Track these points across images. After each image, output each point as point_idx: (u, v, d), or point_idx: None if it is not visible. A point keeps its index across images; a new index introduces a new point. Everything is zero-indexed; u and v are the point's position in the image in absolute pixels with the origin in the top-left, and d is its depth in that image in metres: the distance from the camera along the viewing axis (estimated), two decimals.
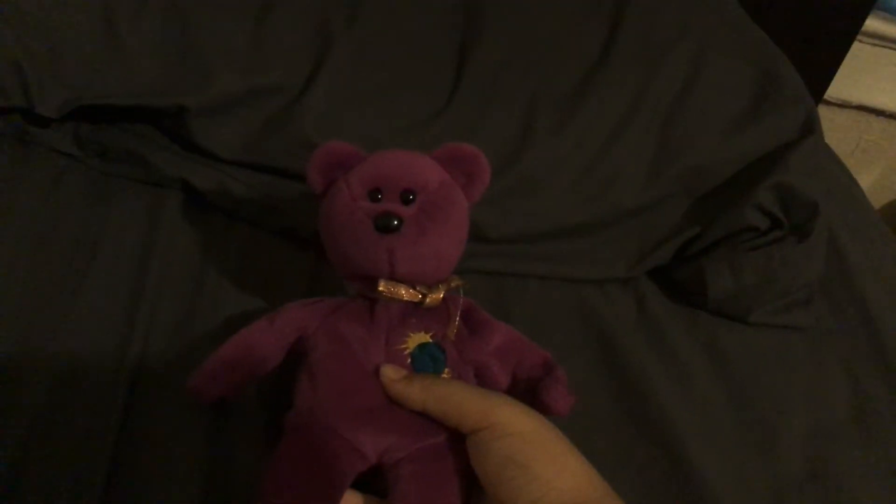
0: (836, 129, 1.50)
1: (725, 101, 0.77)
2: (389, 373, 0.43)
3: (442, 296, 0.47)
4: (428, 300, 0.46)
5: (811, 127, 0.76)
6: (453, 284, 0.48)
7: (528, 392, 0.47)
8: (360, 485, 0.42)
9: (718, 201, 0.74)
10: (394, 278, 0.45)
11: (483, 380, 0.48)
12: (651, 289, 0.75)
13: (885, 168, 1.60)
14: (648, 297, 0.74)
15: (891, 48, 1.38)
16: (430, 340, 0.46)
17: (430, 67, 0.74)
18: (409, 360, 0.44)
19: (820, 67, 1.28)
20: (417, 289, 0.46)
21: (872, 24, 1.32)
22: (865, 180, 1.58)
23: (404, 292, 0.45)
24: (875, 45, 1.38)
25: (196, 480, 0.49)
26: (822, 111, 1.45)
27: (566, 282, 0.73)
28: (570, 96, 0.75)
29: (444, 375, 0.45)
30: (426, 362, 0.44)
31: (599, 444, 0.60)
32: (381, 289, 0.44)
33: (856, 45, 1.32)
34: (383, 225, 0.43)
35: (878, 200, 1.64)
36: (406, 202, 0.45)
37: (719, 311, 0.73)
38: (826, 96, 1.41)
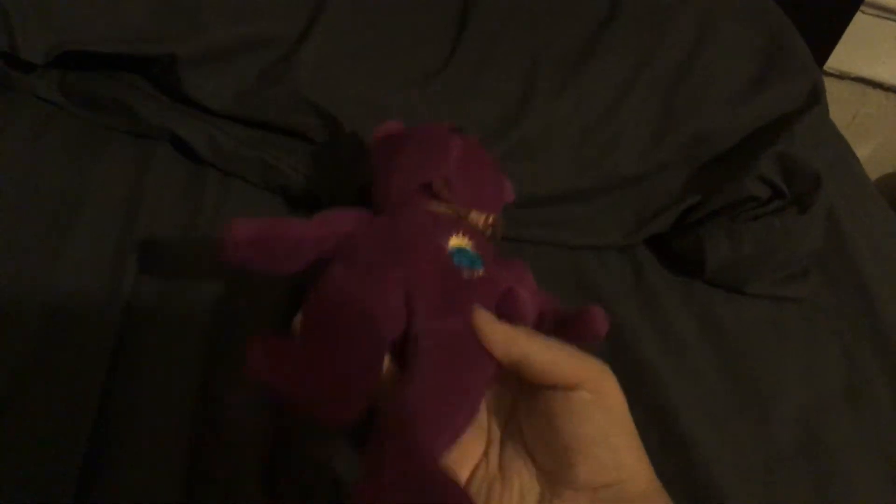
0: (833, 101, 1.47)
1: (732, 68, 0.75)
2: (481, 315, 0.40)
3: (484, 219, 0.48)
4: (472, 215, 0.48)
5: (817, 97, 0.74)
6: (495, 219, 0.49)
7: (559, 324, 0.47)
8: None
9: (720, 170, 0.73)
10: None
11: (510, 303, 0.47)
12: (648, 258, 0.74)
13: (882, 141, 1.59)
14: (645, 266, 0.73)
15: (893, 20, 1.36)
16: (469, 246, 0.46)
17: (429, 25, 0.72)
18: (447, 253, 0.45)
19: (821, 37, 1.26)
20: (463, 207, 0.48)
21: None
22: (861, 153, 1.57)
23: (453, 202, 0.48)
24: (877, 16, 1.36)
25: (186, 416, 0.49)
26: None
27: (562, 248, 0.72)
28: (573, 58, 0.73)
29: (480, 273, 0.45)
30: (462, 258, 0.45)
31: None
32: (436, 187, 0.47)
33: (858, 16, 1.30)
34: None
35: (873, 173, 1.63)
36: None
37: (716, 282, 0.72)
38: (825, 67, 1.39)
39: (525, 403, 0.39)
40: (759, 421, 0.63)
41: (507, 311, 0.46)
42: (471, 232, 0.47)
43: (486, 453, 0.39)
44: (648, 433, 0.58)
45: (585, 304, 0.66)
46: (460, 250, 0.46)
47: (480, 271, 0.45)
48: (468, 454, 0.39)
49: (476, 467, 0.39)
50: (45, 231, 0.56)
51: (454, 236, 0.46)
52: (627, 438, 0.36)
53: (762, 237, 0.70)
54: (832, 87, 1.48)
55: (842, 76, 1.46)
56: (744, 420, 0.62)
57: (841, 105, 1.51)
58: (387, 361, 0.41)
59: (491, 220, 0.49)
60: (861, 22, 1.34)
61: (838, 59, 1.39)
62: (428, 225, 0.46)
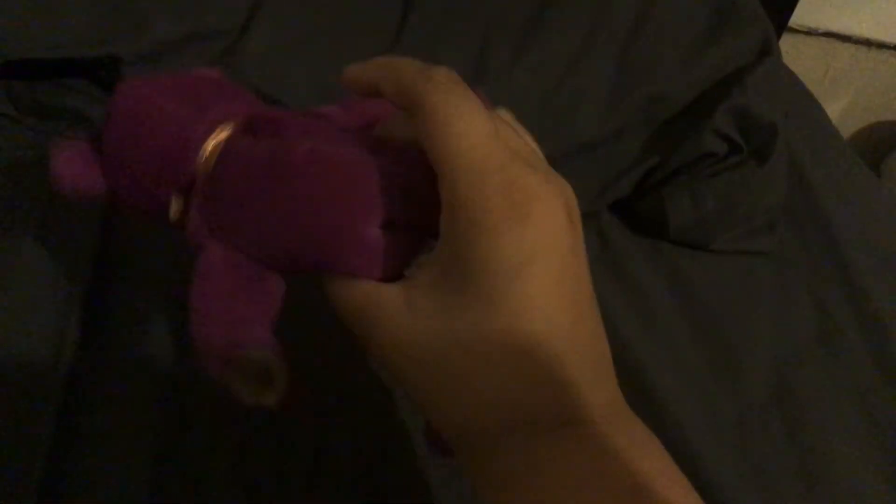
0: (802, 58, 1.48)
1: (682, 26, 0.75)
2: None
3: None
4: None
5: (768, 48, 0.74)
6: None
7: None
8: None
9: (678, 129, 0.73)
10: None
11: None
12: (613, 222, 0.74)
13: (855, 95, 1.58)
14: (610, 231, 0.73)
15: None
16: None
17: (374, 5, 0.71)
18: None
19: None
20: None
21: None
22: (835, 108, 1.57)
23: None
24: None
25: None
26: (788, 39, 1.43)
27: None
28: (523, 30, 0.73)
29: None
30: None
31: None
32: None
33: None
34: None
35: (848, 128, 1.63)
36: None
37: (681, 241, 0.72)
38: (791, 24, 1.39)
39: None
40: (730, 375, 0.63)
41: None
42: None
43: None
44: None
45: None
46: None
47: None
48: None
49: None
50: None
51: None
52: None
53: (723, 192, 0.70)
54: (801, 44, 1.47)
55: (810, 32, 1.45)
56: (715, 376, 0.63)
57: (811, 62, 1.50)
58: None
59: None
60: None
61: (804, 15, 1.38)
62: None
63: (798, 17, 1.38)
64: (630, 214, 0.74)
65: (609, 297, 0.66)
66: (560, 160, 0.72)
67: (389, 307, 0.28)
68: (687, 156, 0.70)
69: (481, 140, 0.27)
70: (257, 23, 0.65)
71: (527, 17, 0.74)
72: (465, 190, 0.26)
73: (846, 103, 1.59)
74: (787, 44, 1.42)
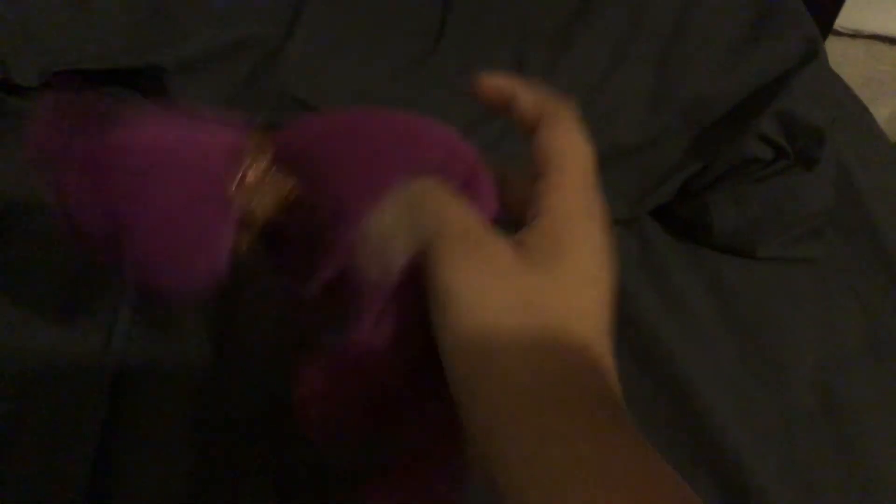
0: (848, 61, 1.45)
1: (723, 28, 0.74)
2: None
3: None
4: None
5: (814, 51, 0.72)
6: None
7: None
8: None
9: (721, 134, 0.71)
10: None
11: None
12: (654, 228, 0.73)
13: None
14: (652, 237, 0.72)
15: None
16: None
17: (413, 10, 0.71)
18: None
19: None
20: None
21: None
22: (882, 112, 1.53)
23: None
24: None
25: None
26: (833, 43, 1.40)
27: None
28: (562, 32, 0.72)
29: None
30: None
31: None
32: None
33: None
34: None
35: (895, 133, 1.59)
36: None
37: (725, 248, 0.71)
38: (836, 26, 1.36)
39: None
40: (775, 384, 0.61)
41: None
42: None
43: None
44: (660, 402, 0.58)
45: None
46: None
47: None
48: None
49: None
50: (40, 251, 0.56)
51: None
52: None
53: (768, 198, 0.69)
54: (846, 48, 1.45)
55: (855, 35, 1.42)
56: (759, 384, 0.61)
57: (856, 65, 1.47)
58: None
59: None
60: None
61: (849, 18, 1.36)
62: None
63: (843, 20, 1.35)
64: (672, 220, 0.73)
65: (650, 304, 0.65)
66: (600, 165, 0.71)
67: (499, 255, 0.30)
68: (731, 161, 0.69)
69: (588, 150, 0.36)
70: (297, 30, 0.66)
71: (564, 20, 0.73)
72: (577, 183, 0.34)
73: (892, 107, 1.55)
74: (832, 47, 1.39)
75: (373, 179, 0.32)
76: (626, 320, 0.63)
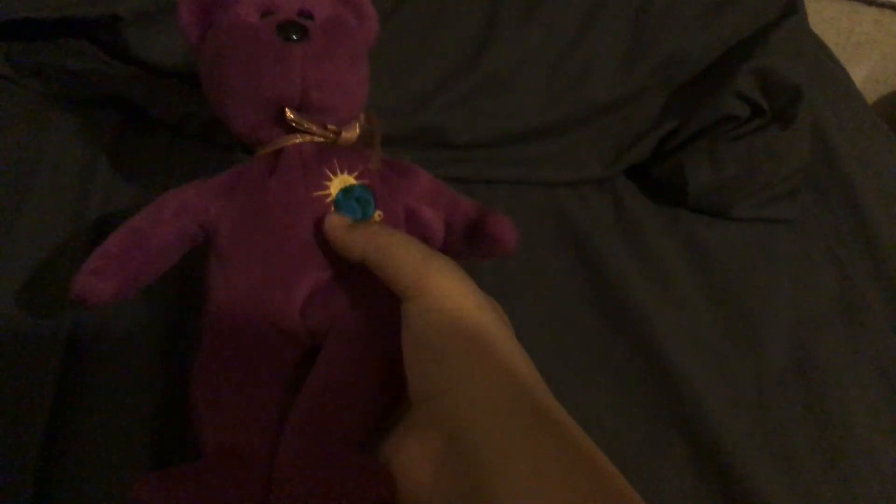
0: (825, 22, 1.44)
1: None
2: (333, 220, 0.37)
3: (357, 132, 0.41)
4: (343, 136, 0.40)
5: (792, 7, 0.71)
6: (367, 121, 0.42)
7: (468, 238, 0.43)
8: None
9: (697, 91, 0.70)
10: (305, 107, 0.39)
11: (415, 226, 0.43)
12: (629, 188, 0.72)
13: (879, 60, 1.54)
14: (626, 198, 0.71)
15: None
16: (355, 182, 0.40)
17: None
18: (333, 209, 0.38)
19: None
20: (329, 127, 0.40)
21: None
22: (859, 74, 1.53)
23: (315, 127, 0.39)
24: None
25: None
26: (812, 3, 1.38)
27: (540, 185, 0.69)
28: None
29: (376, 218, 0.39)
30: (353, 206, 0.39)
31: (575, 346, 0.58)
32: (289, 116, 0.38)
33: None
34: (288, 32, 0.37)
35: (872, 94, 1.59)
36: (305, 19, 0.40)
37: (700, 207, 0.70)
38: None
39: None
40: (749, 345, 0.61)
41: (418, 234, 0.42)
42: (349, 157, 0.40)
43: None
44: (632, 363, 0.57)
45: (565, 243, 0.65)
46: (346, 192, 0.39)
47: (376, 215, 0.39)
48: None
49: None
50: None
51: (333, 178, 0.39)
52: (463, 340, 0.32)
53: (744, 157, 0.68)
54: (823, 9, 1.43)
55: None
56: (733, 345, 0.61)
57: (834, 26, 1.46)
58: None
59: (364, 123, 0.42)
60: None
61: None
62: (295, 176, 0.39)
63: None
64: (647, 181, 0.72)
65: (625, 265, 0.64)
66: (575, 124, 0.70)
67: None
68: (707, 119, 0.68)
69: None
70: None
71: None
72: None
73: (870, 68, 1.54)
74: (810, 8, 1.37)
75: None
76: (601, 281, 0.62)
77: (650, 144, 0.71)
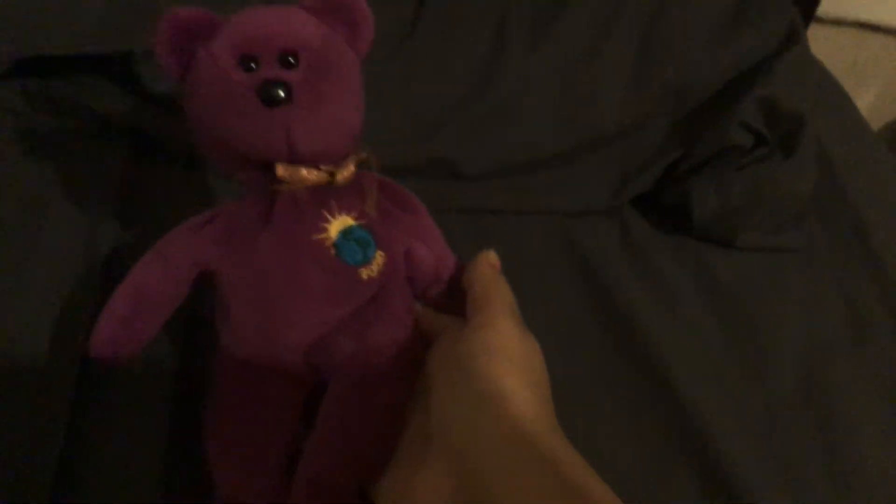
0: (831, 49, 1.45)
1: (704, 15, 0.73)
2: (491, 256, 0.43)
3: (353, 169, 0.40)
4: (338, 177, 0.39)
5: (795, 37, 0.72)
6: (363, 156, 0.41)
7: (450, 290, 0.44)
8: None
9: (702, 121, 0.71)
10: (294, 160, 0.37)
11: (408, 264, 0.43)
12: (635, 217, 0.72)
13: (885, 86, 1.55)
14: (633, 225, 0.71)
15: None
16: (354, 223, 0.39)
17: None
18: (333, 252, 0.38)
19: None
20: (322, 168, 0.39)
21: None
22: (864, 99, 1.53)
23: (307, 173, 0.38)
24: None
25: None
26: (816, 30, 1.40)
27: (548, 215, 0.70)
28: (542, 16, 0.72)
29: (378, 260, 0.39)
30: (353, 248, 0.39)
31: (584, 372, 0.58)
32: (280, 174, 0.37)
33: None
34: (269, 97, 0.35)
35: (878, 120, 1.60)
36: (288, 66, 0.37)
37: (706, 236, 0.70)
38: (819, 14, 1.36)
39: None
40: (757, 371, 0.61)
41: (407, 273, 0.43)
42: (346, 196, 0.40)
43: None
44: (640, 390, 0.58)
45: (574, 271, 0.65)
46: (346, 234, 0.39)
47: (378, 256, 0.40)
48: None
49: None
50: (13, 239, 0.55)
51: (331, 220, 0.39)
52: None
53: (749, 186, 0.68)
54: (829, 35, 1.44)
55: (838, 22, 1.42)
56: (742, 372, 0.61)
57: (840, 52, 1.47)
58: None
59: (360, 158, 0.40)
60: None
61: (832, 5, 1.35)
62: (291, 221, 0.38)
63: (826, 7, 1.35)
64: (654, 209, 0.73)
65: (632, 293, 0.64)
66: (581, 153, 0.71)
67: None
68: (711, 148, 0.68)
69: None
70: None
71: (545, 4, 0.72)
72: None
73: (876, 94, 1.55)
74: (815, 35, 1.38)
75: None
76: (609, 308, 0.63)
77: (656, 173, 0.71)
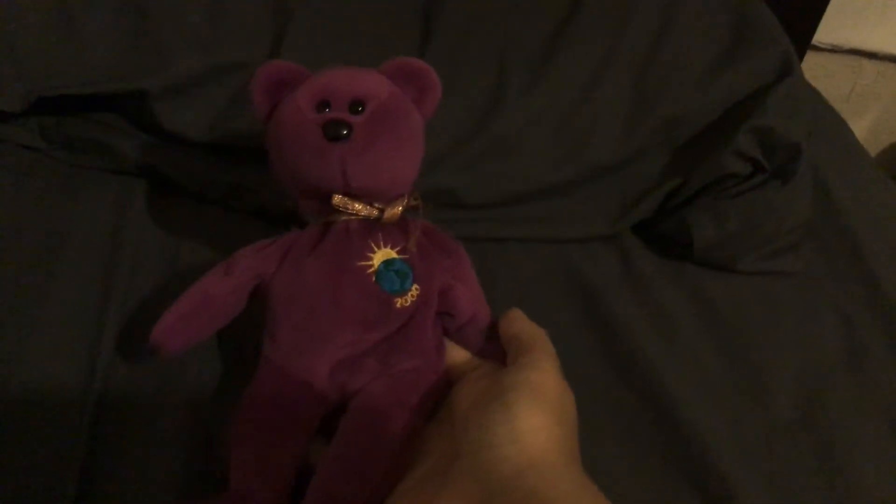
0: (828, 76, 1.47)
1: (700, 48, 0.75)
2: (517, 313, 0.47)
3: (400, 210, 0.45)
4: (386, 215, 0.45)
5: (789, 68, 0.74)
6: (413, 202, 0.47)
7: (483, 333, 0.48)
8: None
9: (698, 150, 0.72)
10: (349, 193, 0.44)
11: (444, 301, 0.47)
12: (635, 244, 0.74)
13: (882, 112, 1.56)
14: (633, 253, 0.73)
15: None
16: (396, 256, 0.45)
17: (394, 33, 0.72)
18: (373, 279, 0.43)
19: (806, 10, 1.25)
20: (374, 205, 0.45)
21: None
22: (861, 126, 1.55)
23: (360, 206, 0.44)
24: None
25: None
26: (813, 57, 1.42)
27: (548, 243, 0.72)
28: (541, 53, 0.73)
29: (413, 292, 0.44)
30: (392, 278, 0.44)
31: (585, 398, 0.58)
32: (335, 202, 0.43)
33: None
34: (333, 133, 0.42)
35: (874, 146, 1.61)
36: (355, 112, 0.43)
37: (705, 262, 0.72)
38: (815, 41, 1.38)
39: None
40: (757, 396, 0.62)
41: (443, 308, 0.47)
42: (393, 232, 0.46)
43: None
44: (642, 415, 0.59)
45: (574, 297, 0.67)
46: (388, 264, 0.44)
47: (413, 290, 0.44)
48: None
49: None
50: (30, 274, 0.57)
51: (377, 250, 0.45)
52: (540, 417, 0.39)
53: (746, 213, 0.70)
54: (826, 62, 1.46)
55: (835, 49, 1.44)
56: (741, 396, 0.62)
57: (837, 79, 1.49)
58: None
59: (409, 201, 0.46)
60: None
61: (829, 32, 1.37)
62: (340, 247, 0.44)
63: (822, 35, 1.37)
64: (653, 236, 0.74)
65: (632, 318, 0.65)
66: (580, 183, 0.72)
67: None
68: (708, 177, 0.70)
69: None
70: (282, 52, 0.67)
71: (544, 40, 0.75)
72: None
73: (872, 121, 1.57)
74: (812, 61, 1.41)
75: None
76: (609, 334, 0.64)
77: (654, 202, 0.73)
